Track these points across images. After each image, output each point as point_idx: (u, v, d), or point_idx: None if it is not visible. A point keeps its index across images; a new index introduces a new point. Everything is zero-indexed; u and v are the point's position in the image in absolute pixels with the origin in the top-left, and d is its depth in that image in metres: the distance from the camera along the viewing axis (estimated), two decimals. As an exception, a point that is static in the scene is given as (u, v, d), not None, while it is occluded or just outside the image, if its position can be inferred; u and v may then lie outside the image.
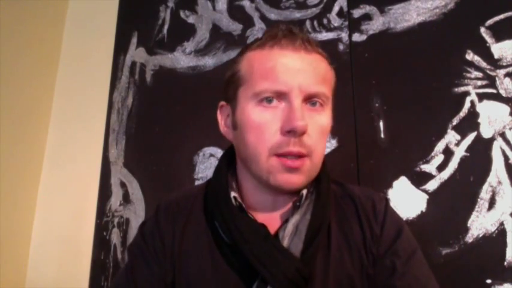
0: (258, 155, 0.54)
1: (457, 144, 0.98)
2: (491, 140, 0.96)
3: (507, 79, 0.98)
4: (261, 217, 0.58)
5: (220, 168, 0.63)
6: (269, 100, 0.54)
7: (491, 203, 0.92)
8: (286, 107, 0.53)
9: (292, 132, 0.52)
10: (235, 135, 0.60)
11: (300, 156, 0.53)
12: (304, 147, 0.53)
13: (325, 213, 0.57)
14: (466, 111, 0.99)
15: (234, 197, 0.58)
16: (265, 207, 0.60)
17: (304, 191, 0.58)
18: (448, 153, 0.98)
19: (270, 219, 0.59)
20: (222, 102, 0.63)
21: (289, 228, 0.56)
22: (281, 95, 0.54)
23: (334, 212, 0.61)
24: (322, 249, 0.56)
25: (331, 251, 0.57)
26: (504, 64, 0.99)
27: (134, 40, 1.37)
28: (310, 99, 0.55)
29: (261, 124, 0.54)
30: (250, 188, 0.61)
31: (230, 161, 0.65)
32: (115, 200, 1.24)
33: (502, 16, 1.01)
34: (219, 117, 0.64)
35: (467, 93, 1.00)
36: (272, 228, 0.57)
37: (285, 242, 0.55)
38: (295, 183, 0.54)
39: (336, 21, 1.15)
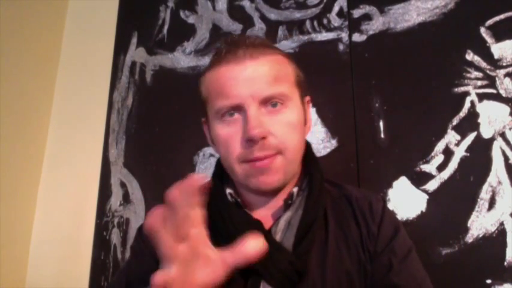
0: (231, 164, 0.58)
1: (457, 144, 0.98)
2: (491, 140, 0.96)
3: (507, 79, 0.98)
4: (255, 215, 0.59)
5: (216, 170, 0.66)
6: (230, 114, 0.57)
7: (491, 203, 0.92)
8: (244, 117, 0.56)
9: (251, 141, 0.54)
10: (216, 149, 0.64)
11: (268, 158, 0.55)
12: (270, 148, 0.55)
13: (316, 208, 0.58)
14: (466, 111, 0.99)
15: (230, 193, 0.60)
16: (259, 207, 0.62)
17: (295, 189, 0.59)
18: (448, 153, 0.98)
19: (264, 217, 0.60)
20: (203, 119, 0.67)
21: (281, 224, 0.58)
22: (237, 108, 0.56)
23: (332, 211, 0.62)
24: (319, 244, 0.58)
25: (328, 246, 0.58)
26: (504, 64, 0.99)
27: (134, 40, 1.37)
28: (266, 102, 0.56)
29: (226, 138, 0.57)
30: (242, 190, 0.63)
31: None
32: (115, 200, 1.24)
33: (502, 16, 1.01)
34: (205, 132, 0.68)
35: (467, 93, 1.00)
36: (266, 225, 0.58)
37: (277, 237, 0.57)
38: (271, 183, 0.56)
39: (336, 21, 1.15)
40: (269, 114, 0.56)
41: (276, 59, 0.59)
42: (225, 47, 0.60)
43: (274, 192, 0.61)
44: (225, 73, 0.57)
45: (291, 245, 0.55)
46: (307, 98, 0.65)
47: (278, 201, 0.61)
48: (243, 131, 0.55)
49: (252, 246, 0.35)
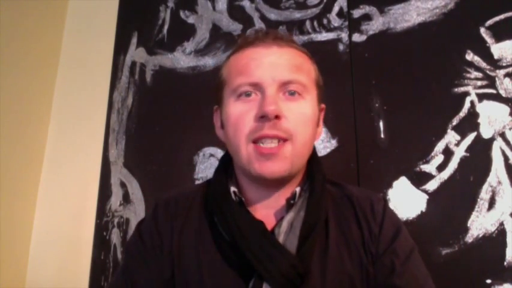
0: (238, 145, 0.57)
1: (457, 144, 0.98)
2: (491, 140, 0.96)
3: (507, 79, 0.98)
4: (258, 214, 0.59)
5: (220, 167, 0.65)
6: (247, 94, 0.57)
7: (491, 203, 0.93)
8: (261, 97, 0.56)
9: (264, 117, 0.54)
10: (224, 133, 0.63)
11: (277, 139, 0.55)
12: (282, 130, 0.55)
13: (318, 210, 0.58)
14: (466, 111, 0.99)
15: (234, 192, 0.59)
16: (262, 205, 0.61)
17: (298, 189, 0.59)
18: (448, 153, 0.98)
19: (267, 217, 0.59)
20: (215, 106, 0.67)
21: (284, 226, 0.57)
22: (257, 87, 0.57)
23: (333, 212, 0.61)
24: (320, 247, 0.57)
25: (329, 249, 0.57)
26: (504, 64, 0.99)
27: (134, 40, 1.37)
28: (285, 87, 0.57)
29: (238, 115, 0.57)
30: (246, 185, 0.62)
31: (229, 161, 0.66)
32: (115, 200, 1.24)
33: (502, 16, 1.01)
34: (214, 120, 0.68)
35: (467, 94, 1.00)
36: (269, 225, 0.57)
37: (281, 239, 0.56)
38: (275, 172, 0.55)
39: (336, 22, 1.15)
40: (286, 100, 0.57)
41: (300, 53, 0.62)
42: (253, 34, 0.62)
43: (276, 185, 0.60)
44: (251, 54, 0.59)
45: (293, 247, 0.55)
46: (322, 106, 0.66)
47: (280, 200, 0.61)
48: (258, 108, 0.55)
49: None
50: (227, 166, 0.66)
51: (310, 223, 0.56)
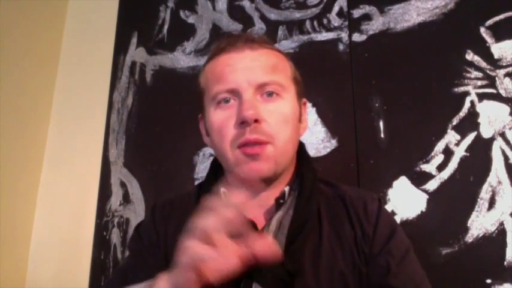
0: (224, 151, 0.58)
1: (457, 144, 0.98)
2: (491, 140, 0.96)
3: (507, 79, 0.98)
4: (249, 215, 0.58)
5: (211, 171, 0.67)
6: (226, 101, 0.58)
7: (491, 203, 0.92)
8: (239, 102, 0.57)
9: (244, 122, 0.55)
10: (210, 141, 0.64)
11: (259, 143, 0.55)
12: (262, 133, 0.55)
13: (307, 208, 0.58)
14: (466, 111, 0.99)
15: (224, 192, 0.59)
16: (252, 205, 0.61)
17: (286, 188, 0.60)
18: (448, 153, 0.98)
19: (258, 217, 0.60)
20: (200, 115, 0.69)
21: (273, 225, 0.57)
22: (234, 93, 0.57)
23: (326, 211, 0.61)
24: (312, 245, 0.57)
25: (322, 247, 0.57)
26: (504, 64, 0.99)
27: (134, 40, 1.37)
28: (262, 89, 0.57)
29: (220, 123, 0.58)
30: (235, 186, 0.63)
31: (218, 165, 0.67)
32: (115, 200, 1.24)
33: (502, 16, 1.01)
34: (200, 128, 0.69)
35: (467, 93, 1.00)
36: (259, 225, 0.58)
37: None
38: (260, 171, 0.56)
39: (336, 21, 1.15)
40: (264, 102, 0.57)
41: (274, 53, 0.62)
42: (225, 40, 0.62)
43: (264, 185, 0.60)
44: (224, 61, 0.59)
45: (282, 245, 0.55)
46: (304, 100, 0.66)
47: (270, 199, 0.61)
48: (237, 114, 0.56)
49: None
50: (217, 170, 0.67)
51: (298, 222, 0.56)
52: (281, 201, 0.59)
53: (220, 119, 0.58)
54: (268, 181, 0.60)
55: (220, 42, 0.63)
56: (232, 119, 0.57)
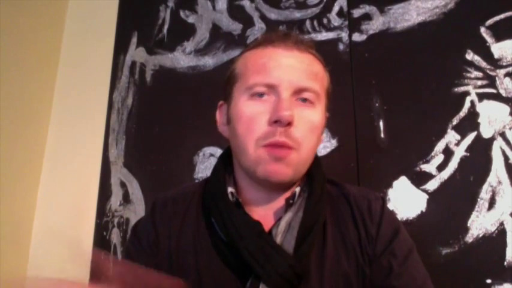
0: (246, 145, 0.56)
1: (457, 144, 0.98)
2: (491, 140, 0.96)
3: (507, 79, 0.98)
4: (256, 215, 0.58)
5: (218, 166, 0.65)
6: (260, 94, 0.56)
7: (491, 203, 0.92)
8: (276, 99, 0.55)
9: (278, 122, 0.53)
10: (229, 129, 0.62)
11: (286, 147, 0.54)
12: (291, 138, 0.54)
13: (317, 210, 0.57)
14: (466, 111, 0.99)
15: (231, 193, 0.59)
16: (260, 205, 0.61)
17: (297, 189, 0.59)
18: (448, 153, 0.98)
19: (265, 217, 0.59)
20: (221, 102, 0.66)
21: (282, 226, 0.57)
22: (272, 89, 0.56)
23: (330, 212, 0.61)
24: (317, 247, 0.57)
25: (326, 249, 0.57)
26: (504, 64, 0.99)
27: (134, 40, 1.37)
28: (300, 93, 0.56)
29: (250, 116, 0.56)
30: (245, 185, 0.62)
31: (228, 160, 0.66)
32: (115, 200, 1.24)
33: (502, 16, 1.01)
34: (218, 115, 0.66)
35: (467, 93, 1.00)
36: (266, 226, 0.57)
37: (278, 239, 0.56)
38: (281, 174, 0.55)
39: (336, 21, 1.15)
40: (298, 106, 0.56)
41: (318, 61, 0.61)
42: (274, 34, 0.60)
43: (278, 189, 0.60)
44: (272, 54, 0.58)
45: (291, 247, 0.54)
46: (327, 114, 0.65)
47: (280, 201, 0.60)
48: (272, 111, 0.54)
49: None
50: (226, 164, 0.65)
51: (308, 224, 0.56)
52: (291, 201, 0.58)
53: (252, 111, 0.56)
54: (283, 185, 0.59)
55: (269, 34, 0.62)
56: (264, 115, 0.55)
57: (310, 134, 0.56)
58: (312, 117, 0.57)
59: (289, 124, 0.53)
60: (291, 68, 0.56)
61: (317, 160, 0.65)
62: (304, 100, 0.57)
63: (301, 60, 0.57)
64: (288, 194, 0.60)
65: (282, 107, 0.53)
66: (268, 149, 0.54)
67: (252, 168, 0.56)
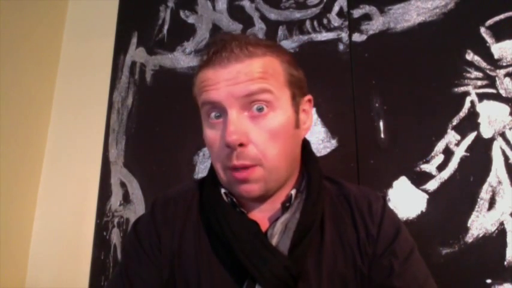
0: (217, 169, 0.57)
1: (457, 144, 0.98)
2: (491, 140, 0.96)
3: (507, 79, 0.98)
4: (253, 217, 0.58)
5: (211, 170, 0.64)
6: (216, 116, 0.55)
7: (491, 203, 0.93)
8: (224, 121, 0.54)
9: (229, 147, 0.52)
10: None
11: (246, 167, 0.53)
12: (248, 158, 0.53)
13: (314, 211, 0.57)
14: (466, 111, 0.99)
15: (225, 193, 0.59)
16: (255, 209, 0.60)
17: (293, 191, 0.58)
18: (448, 153, 0.98)
19: (262, 219, 0.59)
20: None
21: (278, 227, 0.56)
22: (220, 109, 0.54)
23: (329, 211, 0.60)
24: (315, 247, 0.56)
25: (324, 249, 0.56)
26: (504, 64, 0.99)
27: (134, 40, 1.37)
28: (251, 104, 0.53)
29: (212, 141, 0.56)
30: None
31: None
32: (115, 200, 1.24)
33: (502, 16, 1.01)
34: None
35: (467, 93, 1.00)
36: (264, 226, 0.57)
37: (274, 241, 0.55)
38: (252, 191, 0.55)
39: (336, 21, 1.15)
40: (252, 119, 0.54)
41: (263, 60, 0.56)
42: (213, 47, 0.57)
43: (263, 198, 0.58)
44: (209, 75, 0.56)
45: (286, 248, 0.54)
46: (308, 97, 0.62)
47: (275, 204, 0.60)
48: (221, 136, 0.54)
49: None
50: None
51: (305, 225, 0.55)
52: (287, 204, 0.58)
53: (211, 136, 0.56)
54: (263, 198, 0.58)
55: (208, 48, 0.58)
56: (220, 140, 0.55)
57: (273, 143, 0.54)
58: (270, 125, 0.54)
59: (241, 145, 0.52)
60: (230, 81, 0.53)
61: (312, 157, 0.64)
62: (260, 109, 0.53)
63: (239, 70, 0.53)
64: (282, 197, 0.59)
65: (227, 131, 0.52)
66: (232, 172, 0.54)
67: (229, 189, 0.58)
